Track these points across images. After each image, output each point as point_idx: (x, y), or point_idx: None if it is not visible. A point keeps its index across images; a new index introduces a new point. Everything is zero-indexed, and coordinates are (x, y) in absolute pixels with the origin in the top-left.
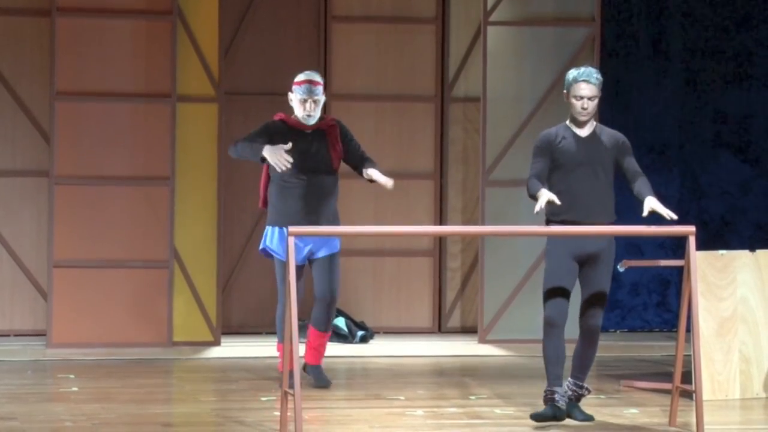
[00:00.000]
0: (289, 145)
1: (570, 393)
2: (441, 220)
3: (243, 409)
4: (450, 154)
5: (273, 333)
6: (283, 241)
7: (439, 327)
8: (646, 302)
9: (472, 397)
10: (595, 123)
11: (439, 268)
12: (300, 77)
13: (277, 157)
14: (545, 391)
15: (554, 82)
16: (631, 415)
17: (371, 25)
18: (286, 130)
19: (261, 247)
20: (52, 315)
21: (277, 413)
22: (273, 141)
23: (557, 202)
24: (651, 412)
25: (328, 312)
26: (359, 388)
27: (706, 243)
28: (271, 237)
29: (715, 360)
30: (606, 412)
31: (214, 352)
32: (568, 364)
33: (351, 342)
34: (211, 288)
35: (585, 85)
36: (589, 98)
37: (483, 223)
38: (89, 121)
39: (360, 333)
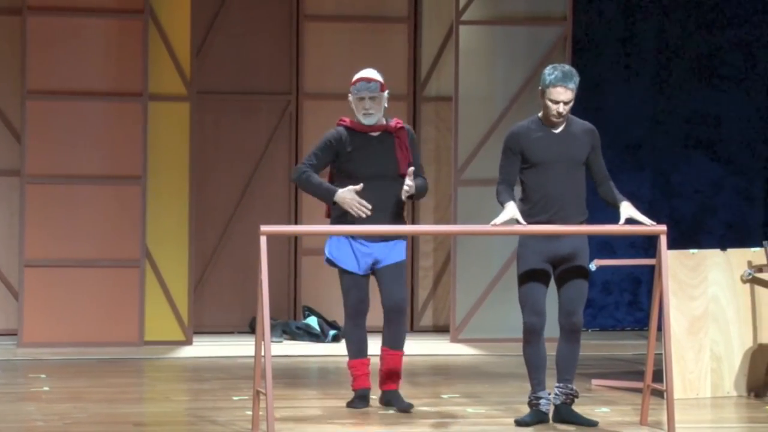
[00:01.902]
0: (360, 186)
1: (563, 398)
2: (413, 219)
3: (215, 408)
4: (422, 152)
5: (244, 332)
6: (339, 248)
7: (412, 326)
8: (618, 301)
9: (444, 396)
10: (567, 116)
11: (411, 267)
12: (356, 75)
13: (355, 207)
14: (530, 397)
15: (526, 82)
16: (602, 413)
17: (343, 24)
18: (350, 138)
19: (325, 257)
20: (23, 314)
21: (249, 412)
22: (339, 154)
23: (521, 221)
24: (622, 410)
25: (396, 324)
26: (331, 387)
27: (677, 242)
28: (333, 246)
29: (687, 359)
30: (577, 410)
31: (186, 352)
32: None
33: (323, 341)
34: (183, 287)
35: (562, 90)
36: (565, 103)
37: (455, 222)
38: (60, 119)
39: (332, 332)
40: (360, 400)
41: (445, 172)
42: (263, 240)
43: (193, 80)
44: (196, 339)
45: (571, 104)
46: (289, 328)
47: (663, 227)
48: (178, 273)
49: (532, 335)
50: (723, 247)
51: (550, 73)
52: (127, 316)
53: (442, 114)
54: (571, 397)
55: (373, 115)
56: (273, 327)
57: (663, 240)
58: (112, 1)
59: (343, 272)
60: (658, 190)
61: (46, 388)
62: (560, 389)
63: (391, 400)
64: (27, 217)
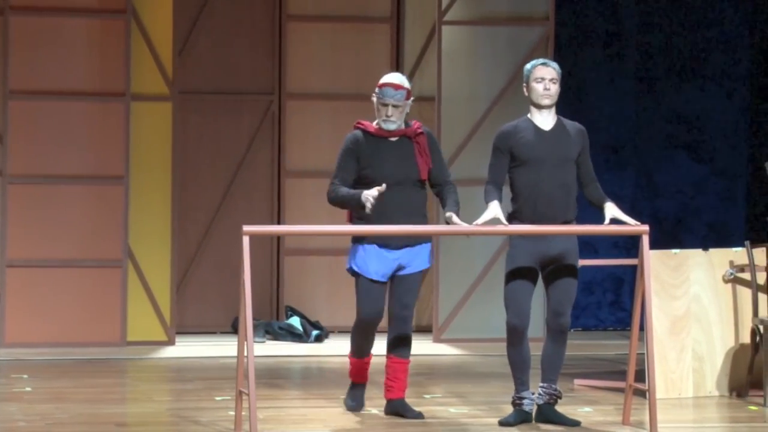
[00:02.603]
0: (384, 186)
1: (547, 398)
2: None
3: (197, 408)
4: None
5: (227, 332)
6: (365, 257)
7: None
8: (600, 301)
9: (427, 396)
10: (557, 116)
11: None
12: (382, 79)
13: (367, 199)
14: (513, 397)
15: (509, 81)
16: (585, 413)
17: (326, 24)
18: (368, 141)
19: (347, 267)
20: (5, 315)
21: (232, 413)
22: (361, 159)
23: (503, 221)
24: (605, 410)
25: (399, 331)
26: (314, 387)
27: (659, 242)
28: (359, 255)
29: (669, 358)
30: (560, 410)
31: (169, 352)
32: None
33: (306, 341)
34: (166, 287)
35: (544, 67)
36: (551, 80)
37: (438, 223)
38: (43, 119)
39: (315, 332)
40: (356, 397)
41: None
42: (246, 240)
43: (176, 80)
44: (178, 339)
45: (557, 86)
46: (271, 328)
47: (645, 227)
48: (160, 273)
49: (515, 336)
50: (705, 247)
51: (529, 63)
52: (109, 317)
53: (424, 114)
54: (555, 397)
55: (394, 122)
56: (255, 327)
57: (645, 240)
58: (94, 1)
59: (361, 278)
60: (641, 190)
61: (28, 389)
62: (544, 389)
63: (398, 409)
64: (9, 217)
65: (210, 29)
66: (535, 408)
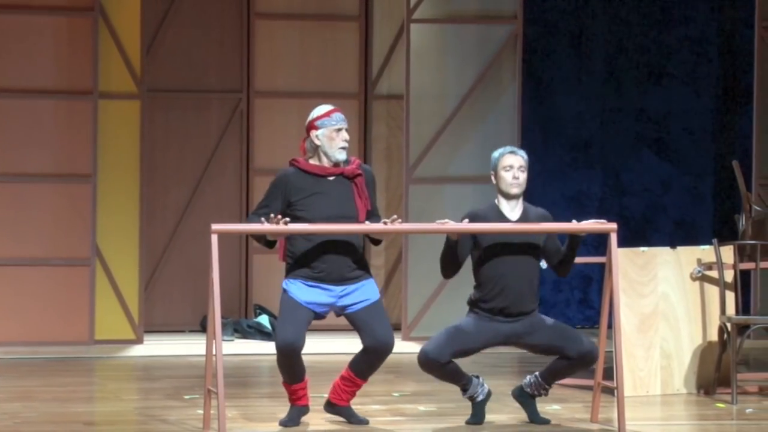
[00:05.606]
0: (287, 220)
1: (533, 388)
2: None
3: (166, 407)
4: (373, 151)
5: (195, 331)
6: (303, 294)
7: None
8: (569, 299)
9: (396, 394)
10: (523, 204)
11: None
12: (323, 109)
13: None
14: (466, 397)
15: (477, 80)
16: (553, 411)
17: (294, 22)
18: (302, 181)
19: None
20: None
21: (200, 411)
22: (294, 200)
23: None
24: (573, 408)
25: (377, 363)
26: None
27: (627, 240)
28: (294, 287)
29: (637, 356)
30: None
31: (137, 351)
32: (542, 359)
33: (274, 340)
34: (134, 286)
35: (512, 155)
36: (519, 168)
37: (407, 220)
38: (10, 118)
39: None
40: (296, 418)
41: (396, 170)
42: (214, 238)
43: (144, 78)
44: (146, 338)
45: (525, 174)
46: (240, 326)
47: (613, 225)
48: (128, 271)
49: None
50: (673, 245)
51: (496, 152)
52: (77, 315)
53: (393, 112)
54: (541, 392)
55: (347, 149)
56: (224, 325)
57: (613, 238)
58: None
59: (289, 299)
60: (609, 189)
61: None
62: (537, 380)
63: (343, 414)
64: None
65: (178, 27)
66: (487, 391)
